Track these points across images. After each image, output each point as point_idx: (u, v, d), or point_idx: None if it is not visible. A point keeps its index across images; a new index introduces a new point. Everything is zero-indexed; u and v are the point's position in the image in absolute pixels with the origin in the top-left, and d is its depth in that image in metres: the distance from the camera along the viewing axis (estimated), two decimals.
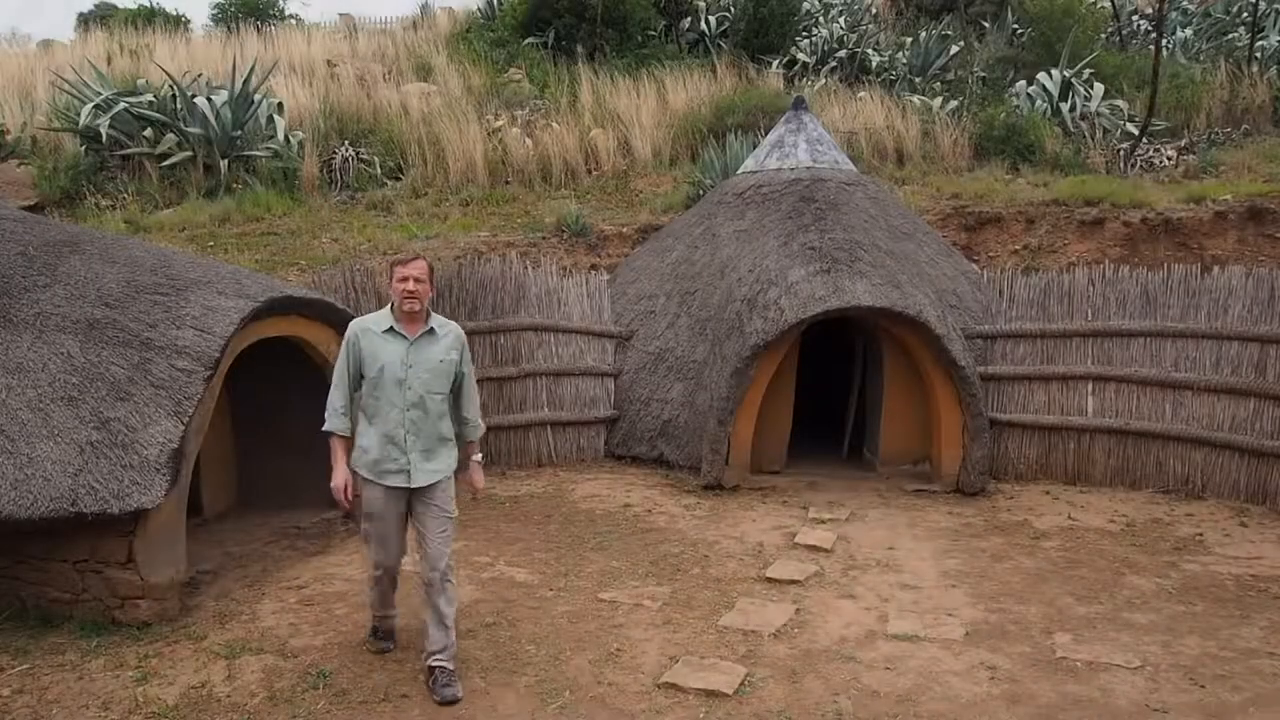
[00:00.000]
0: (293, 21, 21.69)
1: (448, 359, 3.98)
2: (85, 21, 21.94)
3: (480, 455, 4.24)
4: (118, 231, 8.80)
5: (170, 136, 11.45)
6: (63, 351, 4.79)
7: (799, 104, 9.13)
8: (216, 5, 22.40)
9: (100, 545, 4.47)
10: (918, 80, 15.21)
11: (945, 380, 7.09)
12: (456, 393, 4.10)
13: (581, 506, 6.75)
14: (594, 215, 10.52)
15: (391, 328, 3.93)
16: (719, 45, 16.77)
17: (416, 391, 3.88)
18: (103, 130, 11.27)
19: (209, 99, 11.51)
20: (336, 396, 4.00)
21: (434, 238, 9.82)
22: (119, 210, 10.62)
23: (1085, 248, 9.62)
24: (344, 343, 4.02)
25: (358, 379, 3.98)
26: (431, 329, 3.98)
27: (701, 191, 10.36)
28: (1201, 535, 6.08)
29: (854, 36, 17.11)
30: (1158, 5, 14.48)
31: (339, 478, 3.94)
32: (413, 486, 3.92)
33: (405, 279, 3.87)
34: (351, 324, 4.04)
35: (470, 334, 7.83)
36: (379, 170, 12.06)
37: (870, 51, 16.55)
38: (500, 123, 12.79)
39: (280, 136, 11.90)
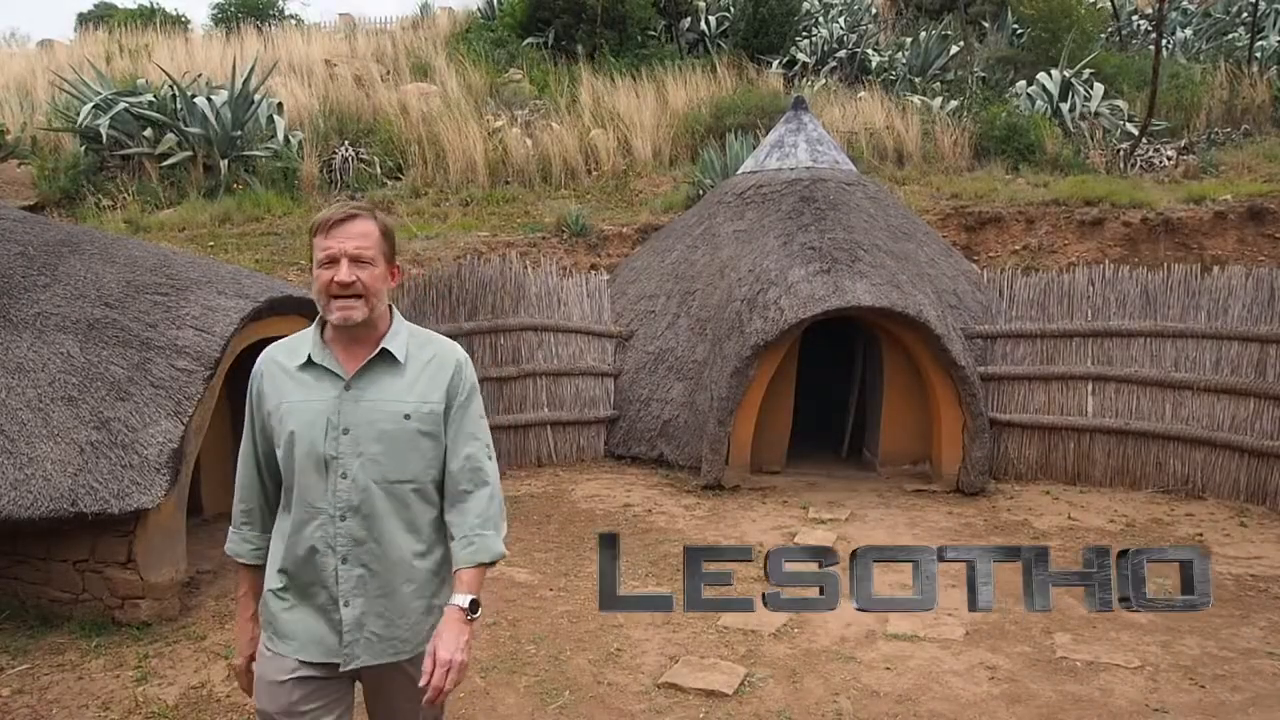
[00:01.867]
0: (292, 22, 21.70)
1: (420, 412, 2.10)
2: (85, 21, 21.94)
3: (470, 598, 2.05)
4: (118, 231, 8.80)
5: (170, 136, 11.45)
6: (63, 351, 4.79)
7: (799, 104, 9.13)
8: (216, 5, 22.41)
9: (100, 545, 4.47)
10: (918, 80, 15.22)
11: (945, 380, 7.09)
12: (447, 478, 2.16)
13: (581, 506, 6.75)
14: (594, 215, 10.53)
15: (310, 359, 2.12)
16: (719, 45, 16.78)
17: (358, 482, 2.06)
18: (103, 130, 11.28)
19: (209, 99, 11.52)
20: (237, 492, 2.28)
21: (434, 238, 9.83)
22: (119, 210, 10.63)
23: (1085, 248, 9.63)
24: (248, 391, 2.23)
25: (270, 454, 2.19)
26: (385, 352, 2.12)
27: (701, 191, 10.37)
28: (1201, 535, 6.09)
29: (854, 36, 17.12)
30: (1158, 5, 14.48)
31: (240, 654, 2.26)
32: (348, 669, 2.10)
33: (332, 258, 2.06)
34: (262, 354, 2.24)
35: (470, 334, 7.97)
36: (379, 170, 12.07)
37: (870, 51, 16.56)
38: (500, 123, 12.80)
39: (280, 136, 11.91)
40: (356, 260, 2.06)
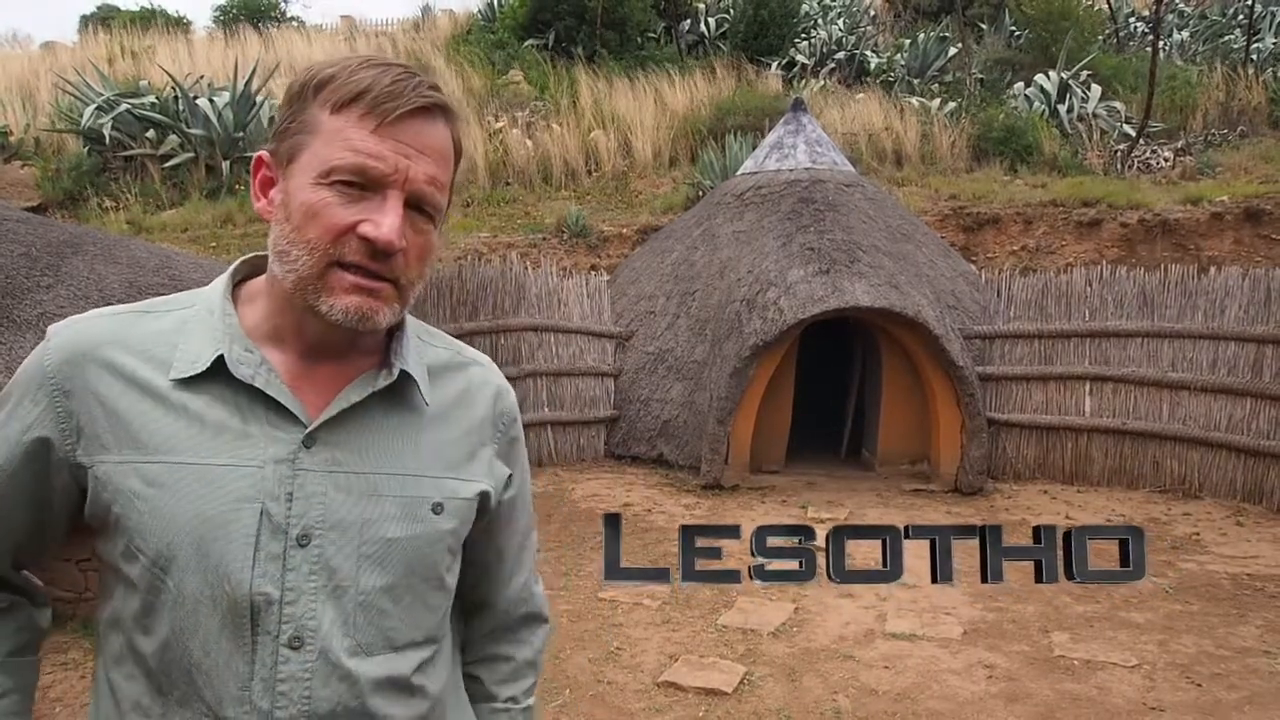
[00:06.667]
0: (294, 24, 21.74)
1: (458, 498, 1.06)
2: (87, 23, 21.97)
3: None
4: (120, 232, 8.82)
5: (173, 138, 11.48)
6: None
7: (798, 105, 9.16)
8: (218, 7, 22.45)
9: None
10: (916, 82, 15.26)
11: (943, 380, 7.12)
12: (479, 594, 1.20)
13: (581, 506, 6.78)
14: (594, 216, 10.57)
15: (220, 367, 0.98)
16: (718, 47, 16.82)
17: (333, 657, 0.96)
18: (105, 131, 11.31)
19: (211, 100, 11.55)
20: None
21: None
22: (122, 211, 10.66)
23: (1083, 248, 9.66)
24: (12, 405, 1.00)
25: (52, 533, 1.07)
26: (402, 379, 1.05)
27: (701, 192, 10.40)
28: (1198, 534, 6.12)
29: (852, 38, 17.17)
30: (1155, 7, 14.53)
31: None
32: None
33: (377, 179, 0.95)
34: (55, 338, 1.00)
35: (471, 335, 8.00)
36: None
37: (869, 53, 16.61)
38: (501, 124, 12.83)
39: None
40: (421, 205, 0.99)
